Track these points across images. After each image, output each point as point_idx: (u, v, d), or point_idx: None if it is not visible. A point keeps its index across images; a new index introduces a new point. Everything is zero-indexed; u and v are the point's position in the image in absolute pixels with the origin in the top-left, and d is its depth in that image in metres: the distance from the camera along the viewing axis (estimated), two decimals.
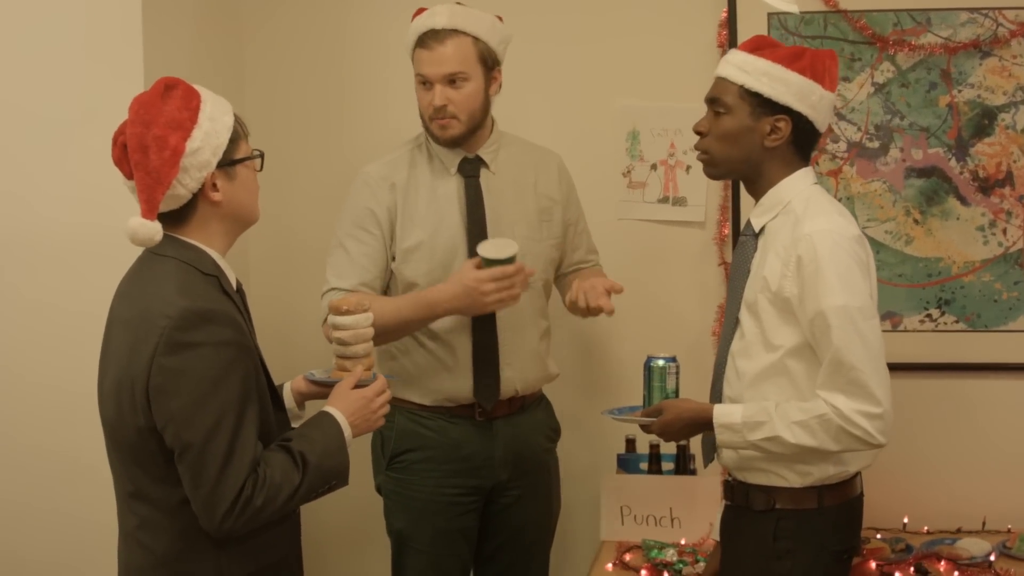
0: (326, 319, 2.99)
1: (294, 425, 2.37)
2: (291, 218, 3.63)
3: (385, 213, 3.03)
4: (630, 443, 3.40)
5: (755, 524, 2.52)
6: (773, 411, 2.42)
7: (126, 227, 2.10)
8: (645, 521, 3.25)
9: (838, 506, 2.51)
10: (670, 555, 3.11)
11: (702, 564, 2.99)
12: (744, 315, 2.53)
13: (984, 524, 3.33)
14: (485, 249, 2.90)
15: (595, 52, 3.50)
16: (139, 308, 2.14)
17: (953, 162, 3.37)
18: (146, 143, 2.09)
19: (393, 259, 3.05)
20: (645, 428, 2.66)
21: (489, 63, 3.00)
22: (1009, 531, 3.28)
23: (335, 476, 2.24)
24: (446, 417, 3.07)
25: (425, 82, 2.98)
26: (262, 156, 2.27)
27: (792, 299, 2.43)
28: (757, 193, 2.56)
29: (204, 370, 2.07)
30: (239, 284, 2.29)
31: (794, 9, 3.04)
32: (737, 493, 2.58)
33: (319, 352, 3.20)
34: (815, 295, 2.39)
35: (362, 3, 3.59)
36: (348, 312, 2.36)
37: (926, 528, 3.32)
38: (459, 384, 3.04)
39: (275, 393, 2.31)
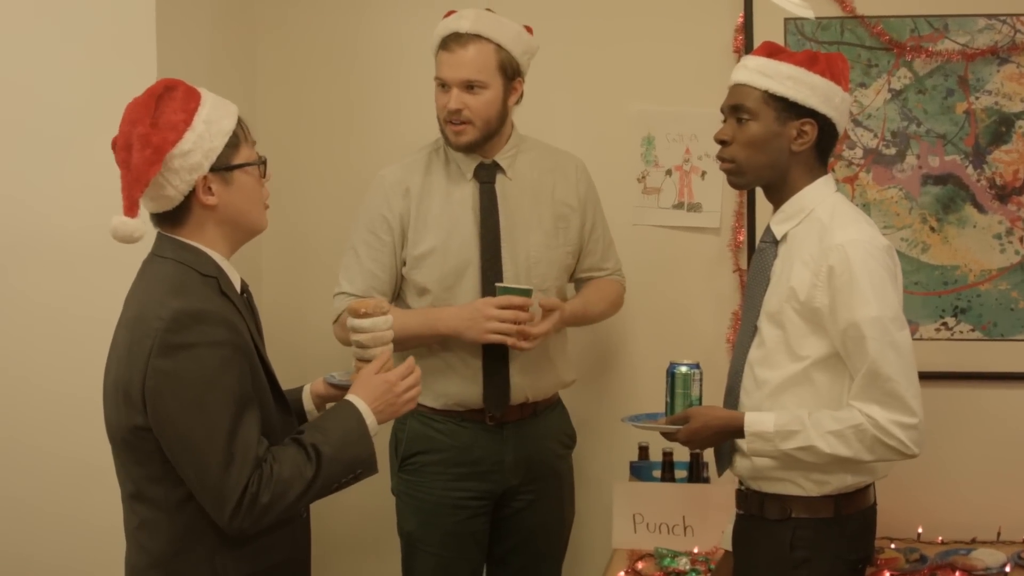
0: (336, 319, 3.02)
1: None
2: (303, 221, 3.62)
3: (397, 219, 3.03)
4: (643, 450, 3.38)
5: (771, 533, 2.51)
6: (807, 420, 2.40)
7: (109, 225, 2.10)
8: (658, 529, 3.23)
9: (853, 515, 2.50)
10: (683, 564, 3.09)
11: None
12: (764, 324, 2.50)
13: (999, 534, 3.31)
14: (505, 281, 2.96)
15: (610, 57, 3.48)
16: (136, 310, 2.14)
17: (970, 169, 3.35)
18: (130, 141, 2.10)
19: (404, 264, 3.04)
20: (669, 436, 2.60)
21: (509, 73, 2.98)
22: None
23: (360, 464, 2.20)
24: (457, 421, 3.06)
25: (443, 84, 2.97)
26: (264, 163, 2.24)
27: (822, 309, 2.41)
28: (779, 200, 2.54)
29: (198, 371, 2.07)
30: (245, 285, 2.27)
31: (810, 14, 3.02)
32: (751, 502, 2.56)
33: (332, 355, 3.21)
34: (848, 306, 2.37)
35: (376, 5, 3.58)
36: (367, 315, 2.34)
37: (940, 538, 3.30)
38: (469, 389, 3.04)
39: (279, 394, 2.29)
